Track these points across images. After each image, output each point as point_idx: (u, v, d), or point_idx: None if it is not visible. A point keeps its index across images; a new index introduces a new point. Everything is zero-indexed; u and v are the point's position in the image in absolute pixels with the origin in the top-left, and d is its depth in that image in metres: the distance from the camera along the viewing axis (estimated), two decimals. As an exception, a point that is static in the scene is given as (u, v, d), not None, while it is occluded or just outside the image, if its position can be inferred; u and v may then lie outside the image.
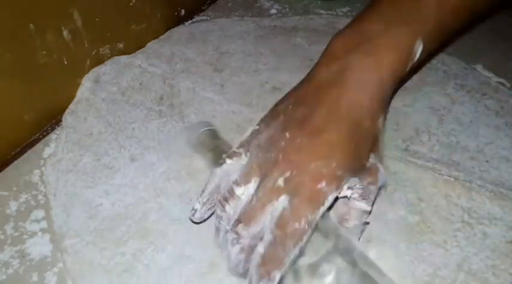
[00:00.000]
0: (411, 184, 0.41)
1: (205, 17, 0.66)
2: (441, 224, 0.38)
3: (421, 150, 0.44)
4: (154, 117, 0.48)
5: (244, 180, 0.31)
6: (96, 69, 0.53)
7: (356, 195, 0.31)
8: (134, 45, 0.57)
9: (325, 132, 0.29)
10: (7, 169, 0.43)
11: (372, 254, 0.35)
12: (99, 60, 0.54)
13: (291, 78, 0.52)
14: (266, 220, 0.29)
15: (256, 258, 0.28)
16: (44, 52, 0.46)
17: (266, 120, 0.33)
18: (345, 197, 0.31)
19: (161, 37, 0.60)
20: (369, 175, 0.32)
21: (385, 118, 0.33)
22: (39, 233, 0.38)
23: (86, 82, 0.51)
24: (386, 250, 0.36)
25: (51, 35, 0.46)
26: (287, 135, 0.30)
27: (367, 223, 0.34)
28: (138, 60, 0.55)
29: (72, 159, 0.43)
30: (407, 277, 0.34)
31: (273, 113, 0.33)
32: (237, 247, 0.29)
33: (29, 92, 0.46)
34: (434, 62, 0.55)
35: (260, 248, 0.28)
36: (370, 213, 0.33)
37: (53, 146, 0.46)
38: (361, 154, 0.31)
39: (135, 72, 0.53)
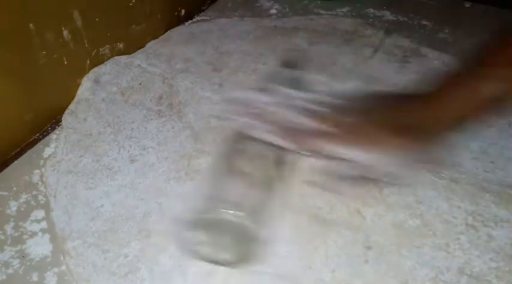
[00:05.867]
0: (408, 186, 0.40)
1: (205, 17, 0.66)
2: (443, 228, 0.37)
3: (419, 150, 0.44)
4: (153, 117, 0.48)
5: None
6: (96, 69, 0.53)
7: None
8: (134, 45, 0.57)
9: None
10: (7, 169, 0.44)
11: (372, 260, 0.35)
12: (99, 60, 0.54)
13: (290, 78, 0.52)
14: None
15: None
16: (44, 52, 0.46)
17: None
18: None
19: (161, 37, 0.60)
20: None
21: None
22: (40, 233, 0.38)
23: (86, 82, 0.52)
24: (387, 255, 0.35)
25: (51, 35, 0.46)
26: None
27: None
28: (138, 60, 0.55)
29: (72, 159, 0.43)
30: (409, 282, 0.34)
31: None
32: None
33: (29, 92, 0.46)
34: (435, 62, 0.55)
35: None
36: None
37: (53, 146, 0.46)
38: None
39: (134, 72, 0.53)
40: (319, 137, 0.35)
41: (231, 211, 0.32)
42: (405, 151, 0.35)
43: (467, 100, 0.35)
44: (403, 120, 0.36)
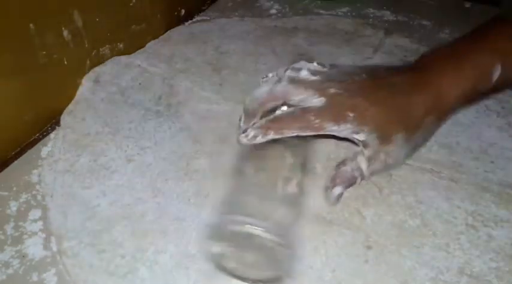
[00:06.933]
0: (408, 186, 0.40)
1: (205, 17, 0.66)
2: (443, 228, 0.37)
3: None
4: (151, 117, 0.48)
5: None
6: (96, 69, 0.53)
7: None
8: (134, 45, 0.57)
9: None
10: (7, 169, 0.43)
11: (372, 260, 0.35)
12: (99, 60, 0.54)
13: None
14: None
15: None
16: (44, 52, 0.46)
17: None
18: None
19: (161, 37, 0.60)
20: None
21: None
22: (39, 233, 0.38)
23: (86, 82, 0.52)
24: (387, 255, 0.35)
25: (51, 35, 0.46)
26: None
27: None
28: (137, 60, 0.55)
29: (69, 159, 0.43)
30: (409, 282, 0.34)
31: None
32: None
33: (29, 92, 0.46)
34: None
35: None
36: None
37: (51, 146, 0.46)
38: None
39: (134, 72, 0.53)
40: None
41: (259, 228, 0.30)
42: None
43: (462, 74, 0.35)
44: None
